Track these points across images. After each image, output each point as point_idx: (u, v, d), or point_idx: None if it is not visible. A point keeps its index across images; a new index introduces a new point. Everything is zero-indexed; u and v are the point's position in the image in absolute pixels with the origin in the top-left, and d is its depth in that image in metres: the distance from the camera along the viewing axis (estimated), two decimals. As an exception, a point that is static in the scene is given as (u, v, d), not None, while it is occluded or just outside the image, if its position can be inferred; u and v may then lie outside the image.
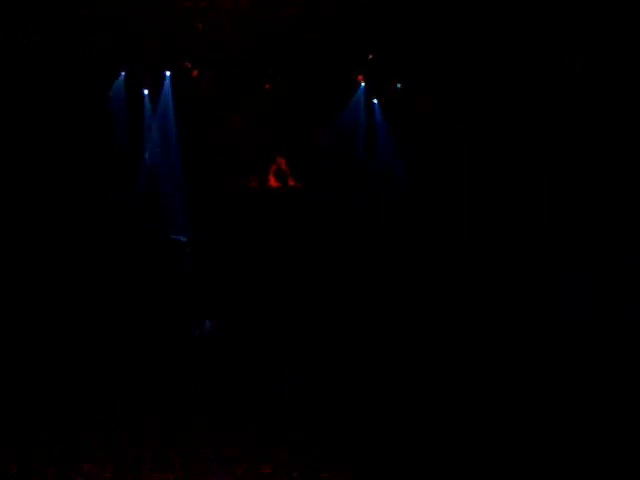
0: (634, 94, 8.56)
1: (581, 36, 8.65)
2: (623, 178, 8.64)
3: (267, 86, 10.15)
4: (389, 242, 9.69)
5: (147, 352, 8.25)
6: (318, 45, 9.59)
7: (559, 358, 7.74)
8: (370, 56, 9.85)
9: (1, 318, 8.44)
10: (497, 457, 5.86)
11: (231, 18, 9.11)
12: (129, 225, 9.60)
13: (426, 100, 9.85)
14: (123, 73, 9.90)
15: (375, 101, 10.28)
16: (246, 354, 8.34)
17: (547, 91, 9.08)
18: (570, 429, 6.28)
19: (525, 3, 8.50)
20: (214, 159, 10.06)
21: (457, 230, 9.59)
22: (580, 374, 7.38)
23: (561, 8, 8.39)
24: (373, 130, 10.41)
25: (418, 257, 9.53)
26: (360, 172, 10.19)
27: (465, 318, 8.75)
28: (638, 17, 8.16)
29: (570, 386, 7.14)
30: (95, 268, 9.29)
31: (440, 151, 9.82)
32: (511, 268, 9.08)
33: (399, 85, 10.15)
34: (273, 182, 10.08)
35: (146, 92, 10.01)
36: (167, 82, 10.03)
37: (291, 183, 10.04)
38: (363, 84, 10.18)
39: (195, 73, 10.00)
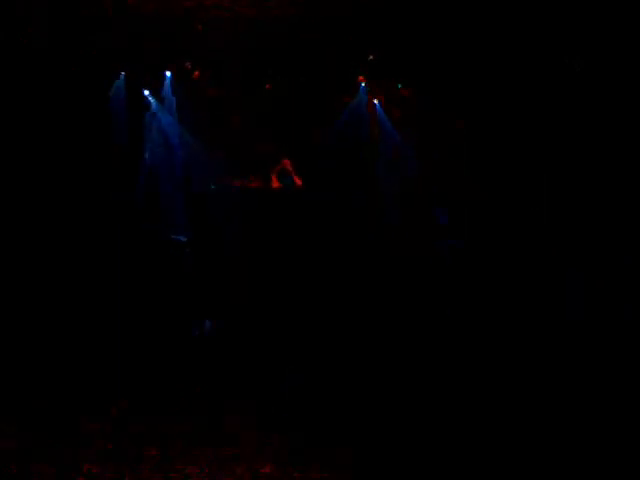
0: (634, 94, 8.56)
1: (581, 36, 8.65)
2: (623, 178, 8.64)
3: (267, 86, 10.15)
4: (389, 242, 9.70)
5: (147, 352, 8.25)
6: (318, 45, 9.59)
7: (559, 358, 7.74)
8: (371, 56, 9.85)
9: (1, 318, 8.44)
10: (497, 457, 5.86)
11: (231, 18, 9.12)
12: (129, 225, 9.61)
13: (427, 100, 9.86)
14: (123, 73, 9.90)
15: (376, 101, 10.27)
16: (246, 354, 8.34)
17: (547, 91, 9.08)
18: (570, 429, 6.28)
19: (525, 3, 8.49)
20: (214, 159, 10.05)
21: (457, 230, 9.60)
22: (580, 374, 7.37)
23: (561, 8, 8.38)
24: (374, 130, 10.41)
25: (418, 257, 9.53)
26: (361, 173, 10.18)
27: (465, 318, 8.75)
28: (638, 17, 8.15)
29: (570, 386, 7.14)
30: (95, 268, 9.29)
31: (440, 151, 9.82)
32: (511, 268, 9.07)
33: (400, 85, 10.15)
34: (275, 182, 10.08)
35: (147, 92, 10.01)
36: (167, 82, 10.03)
37: (298, 183, 10.04)
38: (363, 84, 10.17)
39: (196, 74, 10.01)
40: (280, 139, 10.11)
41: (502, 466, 5.73)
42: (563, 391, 7.05)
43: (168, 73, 9.99)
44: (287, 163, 10.12)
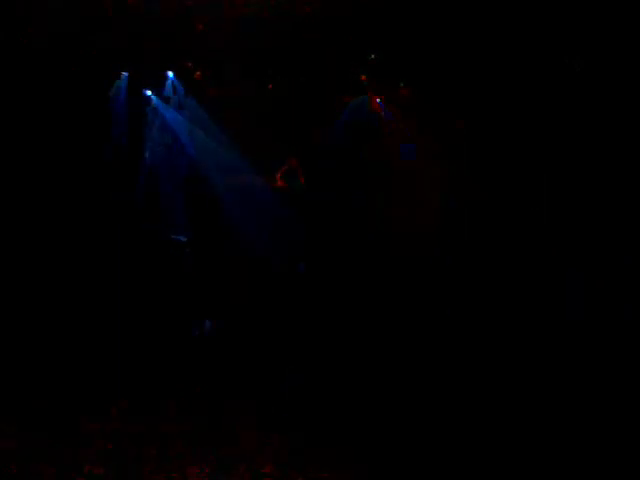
0: (634, 94, 8.55)
1: (581, 36, 8.65)
2: (623, 178, 8.63)
3: (268, 86, 10.15)
4: (389, 242, 9.69)
5: (147, 352, 8.26)
6: (319, 45, 9.58)
7: (559, 358, 7.74)
8: (372, 56, 9.84)
9: (1, 318, 8.45)
10: (497, 456, 5.86)
11: (231, 18, 9.11)
12: (129, 225, 9.61)
13: (427, 100, 9.85)
14: (124, 73, 9.91)
15: (378, 100, 10.25)
16: (246, 354, 8.34)
17: (547, 91, 9.08)
18: (570, 428, 6.29)
19: (525, 3, 8.49)
20: (214, 159, 10.06)
21: (457, 230, 9.59)
22: (580, 374, 7.38)
23: (561, 8, 8.38)
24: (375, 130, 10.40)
25: (418, 257, 9.53)
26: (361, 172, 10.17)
27: (465, 318, 8.75)
28: (638, 17, 8.15)
29: (570, 385, 7.15)
30: (95, 268, 9.29)
31: (440, 151, 9.81)
32: (511, 268, 9.07)
33: (402, 84, 10.14)
34: (280, 182, 10.09)
35: (149, 92, 10.01)
36: (168, 82, 10.03)
37: (303, 182, 10.05)
38: (365, 84, 10.16)
39: (198, 75, 10.01)
40: (280, 139, 10.10)
41: (502, 466, 5.73)
42: (563, 390, 7.05)
43: (170, 73, 10.00)
44: (294, 163, 10.12)
